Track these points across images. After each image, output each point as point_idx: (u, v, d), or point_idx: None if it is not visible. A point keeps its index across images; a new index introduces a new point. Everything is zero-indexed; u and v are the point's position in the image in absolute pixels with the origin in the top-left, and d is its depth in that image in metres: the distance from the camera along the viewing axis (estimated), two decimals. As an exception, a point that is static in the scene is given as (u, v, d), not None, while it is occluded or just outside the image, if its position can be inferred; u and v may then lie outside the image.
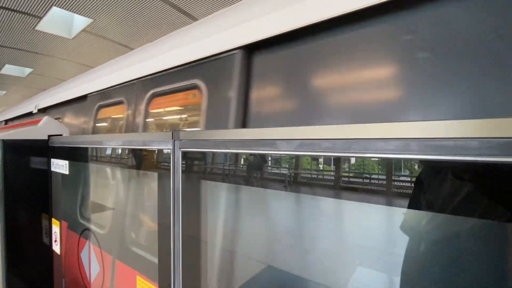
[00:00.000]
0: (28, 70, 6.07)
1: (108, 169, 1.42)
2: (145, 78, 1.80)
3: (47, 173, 1.78)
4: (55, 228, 1.79)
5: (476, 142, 0.39)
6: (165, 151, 0.96)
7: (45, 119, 1.76)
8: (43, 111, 4.11)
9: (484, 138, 0.39)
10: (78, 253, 1.57)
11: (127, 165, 1.25)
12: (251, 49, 1.24)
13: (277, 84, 1.16)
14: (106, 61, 2.75)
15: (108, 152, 1.37)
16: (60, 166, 1.65)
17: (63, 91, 3.06)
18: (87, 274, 1.50)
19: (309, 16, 0.96)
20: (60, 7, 3.65)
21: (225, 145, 0.78)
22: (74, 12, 3.82)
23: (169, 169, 0.93)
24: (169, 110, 1.73)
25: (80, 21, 4.22)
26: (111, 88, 2.18)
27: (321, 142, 0.57)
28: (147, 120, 1.85)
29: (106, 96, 2.28)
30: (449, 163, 0.43)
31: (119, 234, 1.35)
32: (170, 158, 0.92)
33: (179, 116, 1.71)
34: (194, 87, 1.50)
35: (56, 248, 1.81)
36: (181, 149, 0.89)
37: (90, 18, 3.95)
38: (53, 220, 1.81)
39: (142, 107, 1.89)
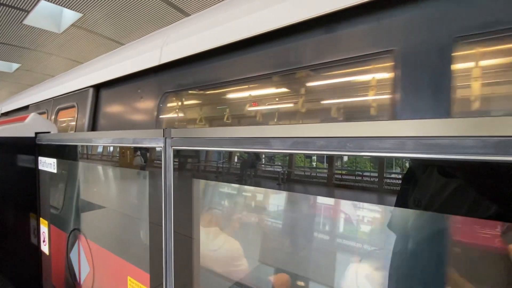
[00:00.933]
0: (15, 66, 5.90)
1: (98, 167, 1.39)
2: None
3: (34, 171, 1.73)
4: (43, 228, 1.75)
5: (470, 140, 0.39)
6: (156, 149, 0.94)
7: (32, 115, 1.71)
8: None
9: (478, 137, 0.39)
10: (68, 254, 1.54)
11: (117, 163, 1.23)
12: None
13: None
14: (96, 56, 2.71)
15: (98, 149, 1.33)
16: (47, 164, 1.60)
17: (51, 87, 3.00)
18: (77, 275, 1.47)
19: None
20: (48, 1, 3.54)
21: (217, 143, 0.77)
22: (63, 6, 3.72)
23: (161, 167, 0.91)
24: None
25: (69, 16, 4.12)
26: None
27: (315, 140, 0.56)
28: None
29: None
30: (443, 161, 0.43)
31: (110, 233, 1.32)
32: (161, 156, 0.90)
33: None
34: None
35: (45, 248, 1.76)
36: (173, 147, 0.88)
37: (80, 12, 3.85)
38: (41, 220, 1.76)
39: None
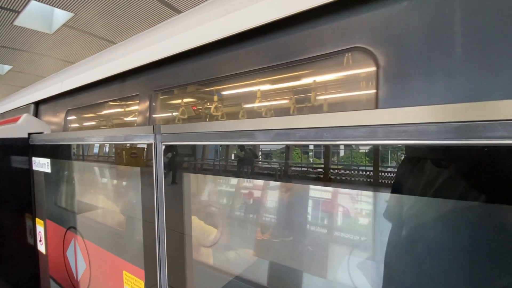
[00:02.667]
0: (7, 68, 5.84)
1: (92, 166, 1.40)
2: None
3: (28, 172, 1.74)
4: (39, 228, 1.76)
5: (434, 126, 0.42)
6: (147, 145, 0.96)
7: (24, 116, 1.71)
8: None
9: (441, 123, 0.42)
10: (64, 252, 1.56)
11: (109, 161, 1.24)
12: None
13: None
14: (88, 56, 2.70)
15: (91, 148, 1.35)
16: (41, 164, 1.62)
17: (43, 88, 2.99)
18: (74, 272, 1.49)
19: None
20: (39, 1, 3.51)
21: (206, 137, 0.79)
22: (54, 6, 3.69)
23: (152, 164, 0.93)
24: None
25: (60, 16, 4.08)
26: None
27: (295, 131, 0.58)
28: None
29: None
30: (412, 147, 0.45)
31: (105, 231, 1.34)
32: (152, 152, 0.92)
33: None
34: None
35: (41, 248, 1.78)
36: (163, 143, 0.90)
37: (71, 12, 3.82)
38: (37, 219, 1.78)
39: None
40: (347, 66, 0.78)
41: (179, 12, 3.78)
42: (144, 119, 1.69)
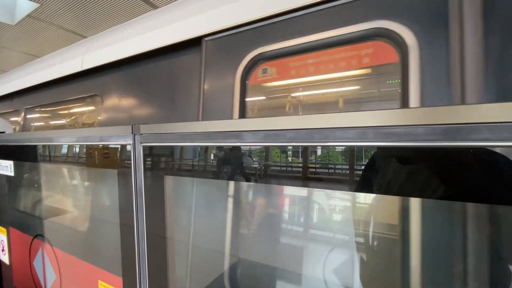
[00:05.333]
0: (-39, 60, 5.30)
1: (61, 168, 1.30)
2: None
3: (-12, 175, 1.58)
4: (2, 236, 1.61)
5: (422, 128, 0.43)
6: (125, 146, 0.91)
7: (-17, 114, 1.55)
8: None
9: (429, 125, 0.42)
10: (31, 262, 1.43)
11: (82, 162, 1.16)
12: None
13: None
14: (55, 50, 2.54)
15: (59, 149, 1.25)
16: (3, 167, 1.47)
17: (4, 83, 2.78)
18: (42, 284, 1.38)
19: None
20: (-2, -11, 3.22)
21: (188, 138, 0.76)
22: (16, -5, 3.40)
23: (130, 166, 0.88)
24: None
25: (24, 6, 3.77)
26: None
27: (285, 132, 0.57)
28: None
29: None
30: (399, 148, 0.46)
31: (76, 237, 1.25)
32: (130, 153, 0.87)
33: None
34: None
35: (4, 258, 1.63)
36: (142, 144, 0.85)
37: (37, 2, 3.55)
38: (-1, 227, 1.63)
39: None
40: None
41: (155, 7, 3.64)
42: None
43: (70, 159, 1.24)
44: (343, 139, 0.51)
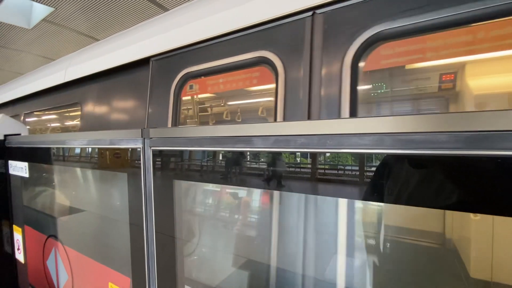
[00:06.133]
0: (-19, 63, 5.51)
1: (74, 170, 1.32)
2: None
3: (4, 176, 1.63)
4: (17, 236, 1.65)
5: (445, 136, 0.40)
6: (135, 150, 0.91)
7: (0, 116, 1.60)
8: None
9: (452, 132, 0.40)
10: (44, 261, 1.46)
11: (93, 165, 1.17)
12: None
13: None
14: (69, 53, 2.63)
15: (75, 151, 1.27)
16: (19, 168, 1.51)
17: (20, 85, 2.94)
18: (55, 283, 1.40)
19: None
20: (15, -6, 3.32)
21: (198, 143, 0.75)
22: (33, 0, 3.50)
23: (140, 168, 0.88)
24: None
25: (40, 10, 3.87)
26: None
27: (296, 138, 0.55)
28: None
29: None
30: (419, 156, 0.44)
31: (89, 238, 1.27)
32: (140, 157, 0.87)
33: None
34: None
35: (20, 256, 1.67)
36: (152, 148, 0.85)
37: (52, 6, 3.64)
38: (15, 227, 1.67)
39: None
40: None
41: (164, 8, 3.68)
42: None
43: (83, 159, 1.26)
44: (357, 145, 0.48)
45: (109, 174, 1.12)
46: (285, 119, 1.06)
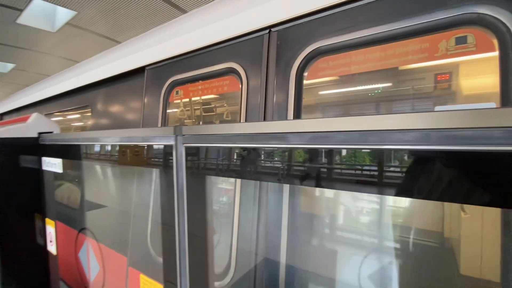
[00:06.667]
0: (10, 66, 5.81)
1: (105, 166, 1.38)
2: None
3: (38, 172, 1.72)
4: (50, 228, 1.74)
5: (500, 131, 0.39)
6: (167, 147, 0.94)
7: (34, 115, 1.69)
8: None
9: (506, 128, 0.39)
10: (76, 253, 1.54)
11: (124, 161, 1.22)
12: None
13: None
14: (92, 55, 2.80)
15: (106, 148, 1.32)
16: (52, 164, 1.59)
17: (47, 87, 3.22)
18: (86, 274, 1.47)
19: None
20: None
21: (231, 139, 0.77)
22: (57, 4, 3.65)
23: (172, 165, 0.91)
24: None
25: (63, 14, 4.04)
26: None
27: (335, 134, 0.56)
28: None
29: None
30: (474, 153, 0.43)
31: (120, 232, 1.32)
32: (172, 154, 0.90)
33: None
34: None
35: (52, 248, 1.76)
36: (184, 145, 0.87)
37: (74, 10, 3.78)
38: (47, 220, 1.76)
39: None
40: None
41: (183, 11, 3.74)
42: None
43: (115, 157, 1.31)
44: (402, 142, 0.48)
45: (139, 170, 1.16)
46: (246, 120, 1.29)
